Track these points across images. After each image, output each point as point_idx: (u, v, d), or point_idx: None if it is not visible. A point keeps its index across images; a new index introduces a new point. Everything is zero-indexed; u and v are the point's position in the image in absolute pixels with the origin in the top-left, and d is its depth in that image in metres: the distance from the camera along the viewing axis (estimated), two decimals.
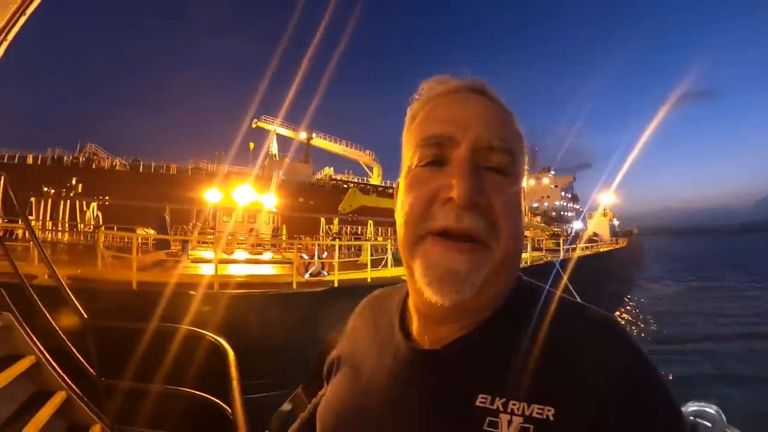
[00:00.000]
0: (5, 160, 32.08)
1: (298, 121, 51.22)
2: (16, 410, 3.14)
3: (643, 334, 19.26)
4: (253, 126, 48.49)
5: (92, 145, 38.72)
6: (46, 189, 19.41)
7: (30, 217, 18.42)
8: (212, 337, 3.27)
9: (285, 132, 49.96)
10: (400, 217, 0.64)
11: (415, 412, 0.60)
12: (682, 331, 20.20)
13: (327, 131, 54.05)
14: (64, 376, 3.52)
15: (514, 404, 0.53)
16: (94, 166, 34.17)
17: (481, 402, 0.55)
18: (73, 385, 3.51)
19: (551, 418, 0.51)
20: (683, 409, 1.03)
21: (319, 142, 52.53)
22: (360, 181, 50.92)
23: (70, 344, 3.49)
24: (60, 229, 18.54)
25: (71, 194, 20.21)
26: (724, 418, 0.96)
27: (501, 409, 0.54)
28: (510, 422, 0.52)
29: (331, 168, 51.31)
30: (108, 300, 7.43)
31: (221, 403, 3.04)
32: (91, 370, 3.39)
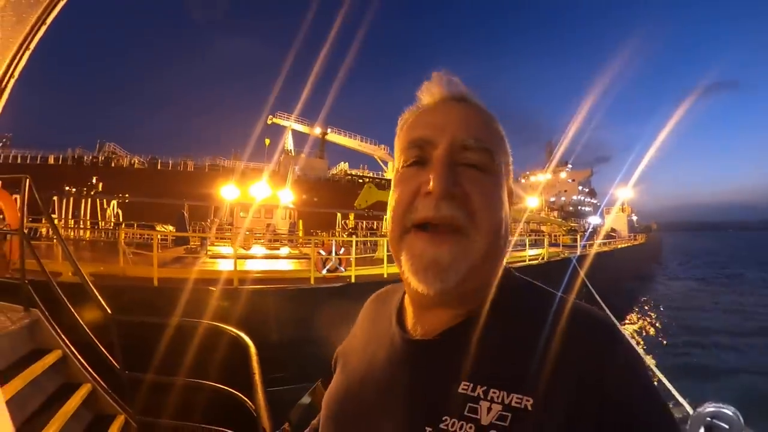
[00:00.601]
0: (28, 161, 33.22)
1: (314, 117, 51.42)
2: (44, 401, 3.28)
3: (661, 332, 19.06)
4: (269, 122, 48.78)
5: (111, 145, 39.42)
6: (67, 188, 19.94)
7: (53, 216, 18.96)
8: (233, 331, 3.31)
9: (300, 128, 50.13)
10: (388, 214, 0.69)
11: (403, 397, 0.64)
12: (701, 327, 19.82)
13: (342, 126, 54.19)
14: (89, 369, 3.62)
15: (494, 392, 0.56)
16: (113, 165, 34.84)
17: (463, 389, 0.58)
18: (98, 378, 3.61)
19: (529, 407, 0.53)
20: (700, 410, 1.01)
21: (334, 137, 52.57)
22: (375, 175, 50.88)
23: (94, 338, 3.57)
24: (82, 226, 18.95)
25: (92, 193, 20.69)
26: (742, 420, 0.94)
27: (482, 396, 0.57)
28: (489, 409, 0.55)
29: (346, 163, 51.39)
30: (130, 296, 7.55)
31: (242, 396, 3.08)
32: (116, 364, 3.48)
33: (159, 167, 36.49)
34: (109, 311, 3.54)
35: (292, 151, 48.38)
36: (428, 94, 0.73)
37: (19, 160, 33.08)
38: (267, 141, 44.46)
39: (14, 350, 3.40)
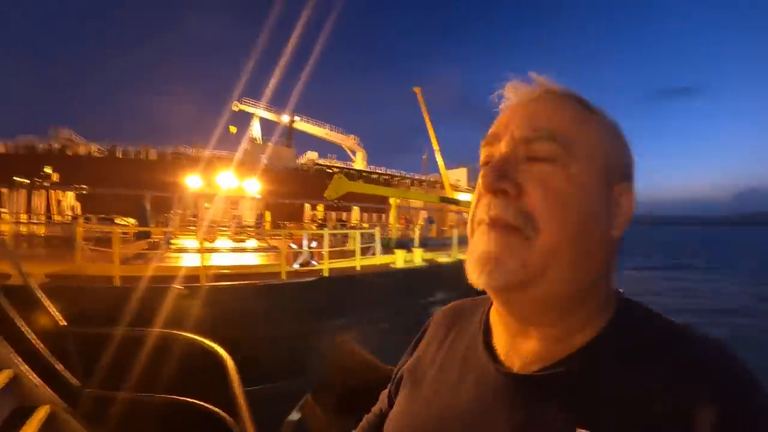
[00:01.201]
0: None
1: (282, 105, 50.40)
2: None
3: None
4: (235, 109, 47.26)
5: (67, 131, 37.33)
6: (18, 179, 18.44)
7: (2, 210, 17.72)
8: (206, 343, 3.13)
9: (267, 115, 48.99)
10: None
11: None
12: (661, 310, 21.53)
13: (312, 115, 53.43)
14: (47, 388, 3.33)
15: None
16: (69, 153, 33.14)
17: None
18: (57, 398, 3.32)
19: None
20: None
21: (303, 125, 51.74)
22: (345, 165, 50.59)
23: (49, 353, 3.29)
24: (36, 221, 17.81)
25: (46, 184, 19.33)
26: None
27: None
28: None
29: (315, 153, 50.78)
30: (90, 298, 7.07)
31: (223, 413, 2.92)
32: (74, 381, 3.22)
33: (119, 155, 35.04)
34: (62, 322, 3.26)
35: (259, 140, 47.34)
36: (513, 91, 0.66)
37: None
38: (233, 128, 43.23)
39: None
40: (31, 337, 3.35)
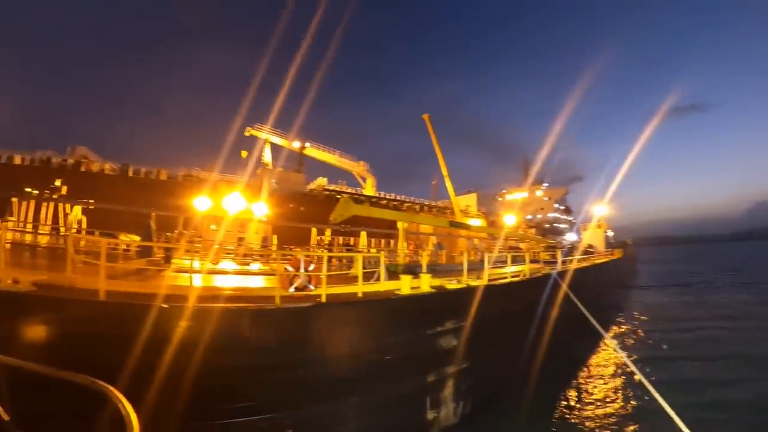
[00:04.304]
0: None
1: (294, 131, 51.06)
2: None
3: (644, 344, 19.72)
4: (246, 134, 48.32)
5: (83, 148, 38.01)
6: (28, 190, 18.79)
7: (11, 218, 17.95)
8: (118, 398, 2.69)
9: (278, 140, 49.77)
10: None
11: None
12: (676, 336, 21.03)
13: (321, 141, 53.91)
14: None
15: None
16: (82, 169, 33.53)
17: None
18: None
19: None
20: None
21: (313, 151, 52.33)
22: (354, 191, 50.60)
23: None
24: (41, 231, 17.90)
25: (54, 196, 19.58)
26: None
27: None
28: None
29: (325, 178, 50.99)
30: (74, 310, 6.85)
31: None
32: (3, 416, 2.85)
33: (131, 174, 35.34)
34: None
35: (269, 164, 47.78)
36: None
37: None
38: (244, 153, 43.79)
39: None
40: None
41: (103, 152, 38.41)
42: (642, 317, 26.56)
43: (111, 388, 2.71)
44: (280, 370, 7.60)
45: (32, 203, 19.14)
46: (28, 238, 16.75)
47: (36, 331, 6.50)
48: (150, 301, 6.98)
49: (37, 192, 19.26)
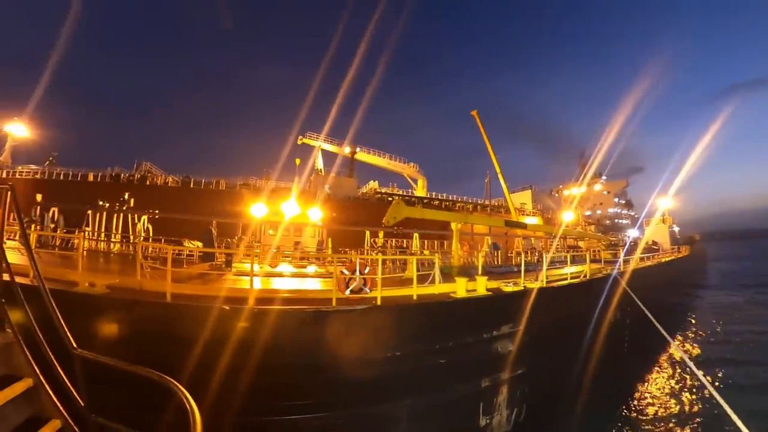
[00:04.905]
0: (70, 177, 34.60)
1: (343, 136, 51.87)
2: None
3: (715, 350, 18.28)
4: (299, 142, 49.80)
5: (147, 164, 40.69)
6: (101, 203, 20.53)
7: (87, 228, 19.56)
8: (182, 393, 2.73)
9: (329, 147, 50.85)
10: None
11: None
12: (748, 340, 19.43)
13: (371, 145, 54.35)
14: (59, 405, 3.13)
15: None
16: (148, 183, 35.69)
17: None
18: (67, 417, 3.11)
19: None
20: None
21: (363, 156, 52.84)
22: (405, 193, 50.51)
23: (60, 371, 3.09)
24: (113, 240, 19.31)
25: (123, 208, 21.13)
26: None
27: None
28: None
29: (376, 182, 51.25)
30: (143, 310, 7.31)
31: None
32: (82, 403, 3.04)
33: (192, 185, 37.09)
34: (74, 345, 3.12)
35: (322, 170, 48.76)
36: None
37: (62, 177, 34.68)
38: (297, 161, 44.95)
39: None
40: (49, 353, 3.25)
41: (166, 167, 40.72)
42: (711, 320, 24.63)
43: (176, 383, 2.83)
44: (335, 370, 7.60)
45: (104, 215, 20.78)
46: (102, 246, 18.14)
47: (110, 329, 7.03)
48: (212, 302, 7.32)
49: (108, 204, 21.00)
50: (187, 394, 2.72)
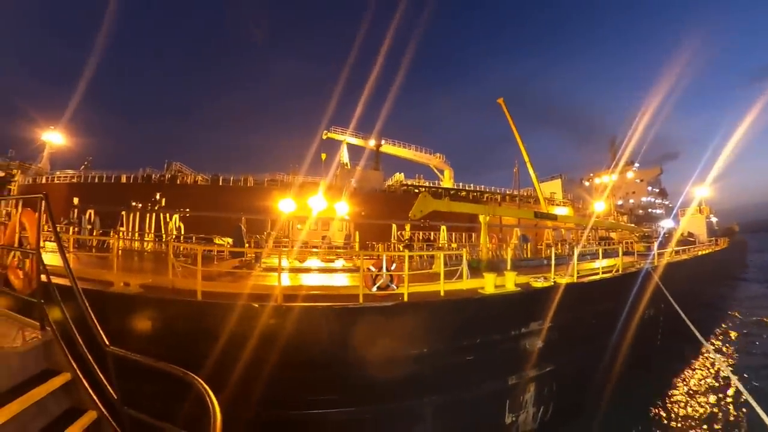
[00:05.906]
0: (104, 180, 35.86)
1: (369, 129, 51.83)
2: (47, 425, 3.18)
3: (744, 345, 17.72)
4: (324, 137, 49.97)
5: (177, 164, 41.76)
6: (134, 204, 21.16)
7: (121, 228, 20.25)
8: (203, 387, 2.87)
9: (355, 141, 50.92)
10: None
11: None
12: None
13: (396, 137, 54.13)
14: (95, 397, 3.31)
15: None
16: (178, 182, 36.57)
17: None
18: (103, 408, 3.29)
19: None
20: None
21: (389, 148, 52.74)
22: (432, 184, 50.17)
23: (95, 366, 3.24)
24: (146, 239, 19.85)
25: (155, 208, 21.72)
26: None
27: None
28: None
29: (402, 174, 51.11)
30: (175, 308, 7.53)
31: None
32: (115, 396, 3.19)
33: (220, 183, 37.81)
34: (107, 343, 3.31)
35: (348, 164, 48.90)
36: None
37: (96, 180, 36.11)
38: (323, 155, 45.29)
39: (25, 369, 3.30)
40: (84, 350, 3.47)
41: (195, 165, 41.69)
42: (750, 316, 23.30)
43: (199, 379, 2.98)
44: (361, 366, 7.62)
45: (137, 215, 21.44)
46: (136, 245, 18.68)
47: (144, 327, 7.32)
48: (242, 300, 7.45)
49: (141, 205, 21.67)
50: (208, 389, 2.87)
